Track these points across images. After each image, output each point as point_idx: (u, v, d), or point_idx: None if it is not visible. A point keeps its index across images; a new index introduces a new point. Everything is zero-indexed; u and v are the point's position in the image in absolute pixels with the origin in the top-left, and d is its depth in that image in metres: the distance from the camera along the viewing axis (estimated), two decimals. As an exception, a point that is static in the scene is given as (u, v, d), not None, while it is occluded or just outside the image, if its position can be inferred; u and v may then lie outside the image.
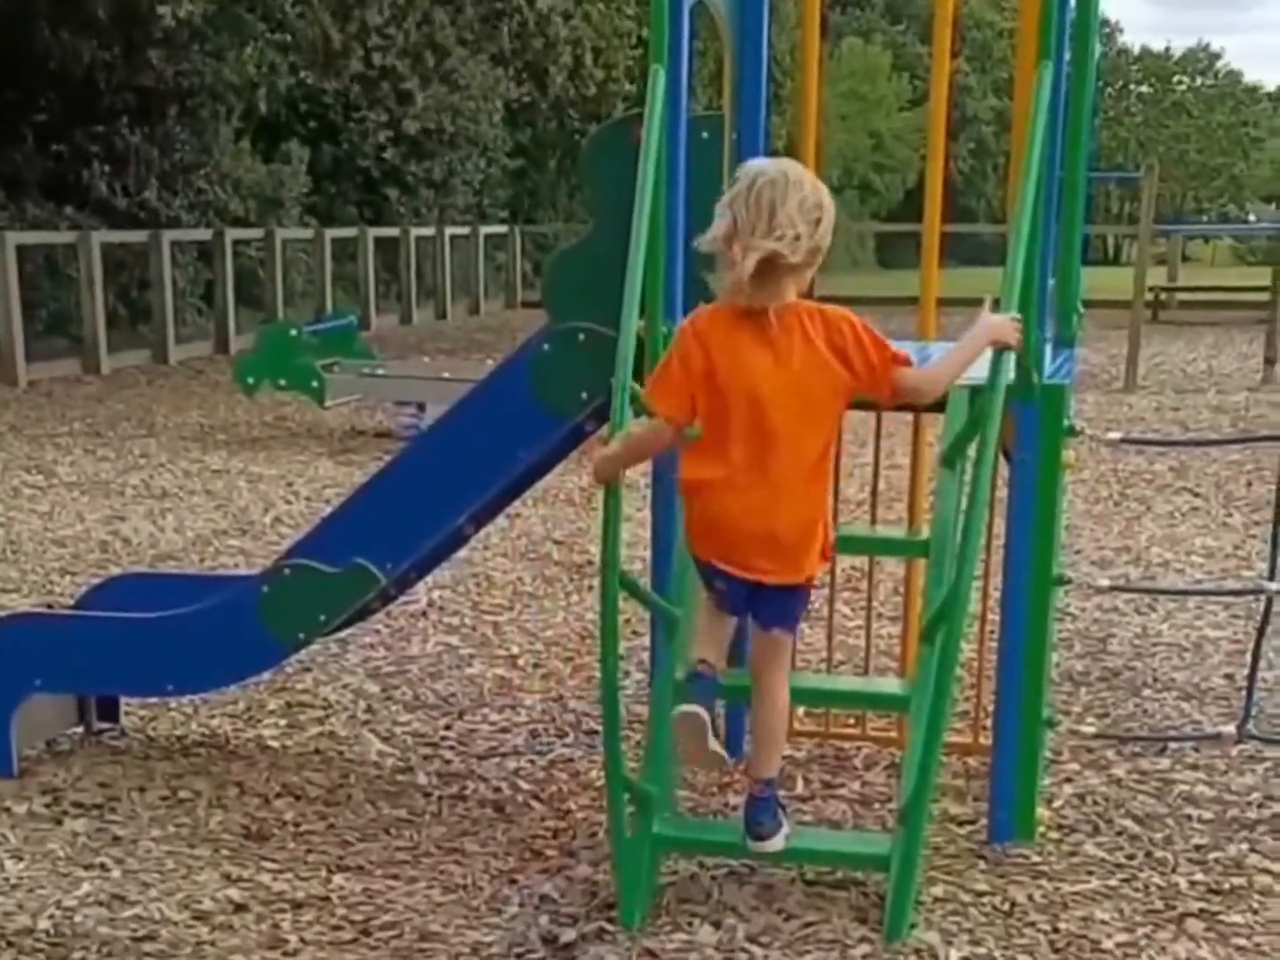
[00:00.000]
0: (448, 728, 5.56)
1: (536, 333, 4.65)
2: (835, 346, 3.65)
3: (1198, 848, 4.45)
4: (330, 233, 23.56)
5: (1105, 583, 4.90)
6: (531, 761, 5.20)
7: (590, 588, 7.46)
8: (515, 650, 6.50)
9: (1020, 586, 4.28)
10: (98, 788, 4.92)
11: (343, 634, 6.34)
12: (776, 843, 3.93)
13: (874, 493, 5.21)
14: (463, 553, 7.98)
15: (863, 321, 3.71)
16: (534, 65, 27.35)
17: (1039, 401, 4.16)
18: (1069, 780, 5.00)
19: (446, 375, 12.15)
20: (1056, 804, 4.76)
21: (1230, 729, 4.66)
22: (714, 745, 3.80)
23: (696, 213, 4.35)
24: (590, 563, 7.95)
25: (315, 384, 12.67)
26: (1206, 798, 4.85)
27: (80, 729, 5.38)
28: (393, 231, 25.85)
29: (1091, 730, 4.84)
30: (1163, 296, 24.14)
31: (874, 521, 5.21)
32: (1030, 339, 4.02)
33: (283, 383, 12.86)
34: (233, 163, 23.51)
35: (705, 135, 4.65)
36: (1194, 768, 5.10)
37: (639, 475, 4.72)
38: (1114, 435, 4.53)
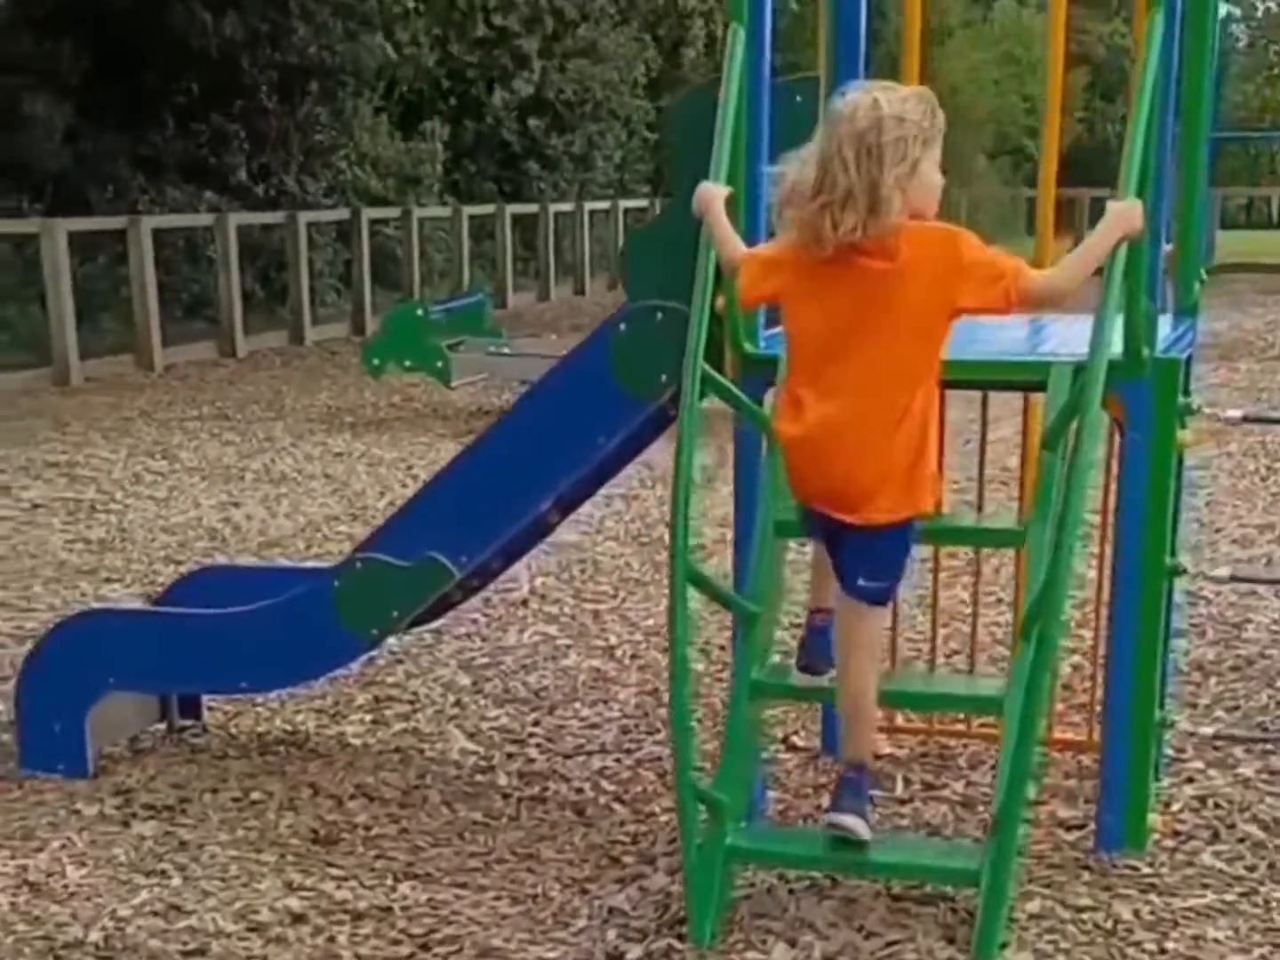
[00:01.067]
0: (536, 723, 5.35)
1: (615, 311, 4.42)
2: (940, 270, 3.41)
3: (1327, 858, 4.11)
4: (468, 210, 23.42)
5: (1223, 572, 4.54)
6: (618, 760, 4.97)
7: (700, 573, 7.20)
8: (614, 640, 6.27)
9: (1131, 577, 3.95)
10: (170, 789, 4.77)
11: (438, 624, 6.18)
12: (856, 825, 3.64)
13: (980, 478, 4.89)
14: (572, 537, 7.86)
15: (971, 237, 3.46)
16: (667, 39, 27.23)
17: (1150, 377, 3.83)
18: (1191, 780, 4.66)
19: (570, 353, 11.93)
20: (1175, 807, 4.44)
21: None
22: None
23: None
24: (703, 546, 7.69)
25: (440, 364, 12.53)
26: (1342, 801, 4.50)
27: (163, 726, 5.26)
28: (531, 208, 25.70)
29: (1210, 731, 4.49)
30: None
31: (980, 508, 4.89)
32: (1138, 310, 3.70)
33: (408, 364, 12.72)
34: (371, 141, 23.52)
35: (799, 99, 4.37)
36: (1330, 767, 4.74)
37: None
38: (1234, 413, 4.17)
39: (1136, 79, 3.58)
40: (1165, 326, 4.18)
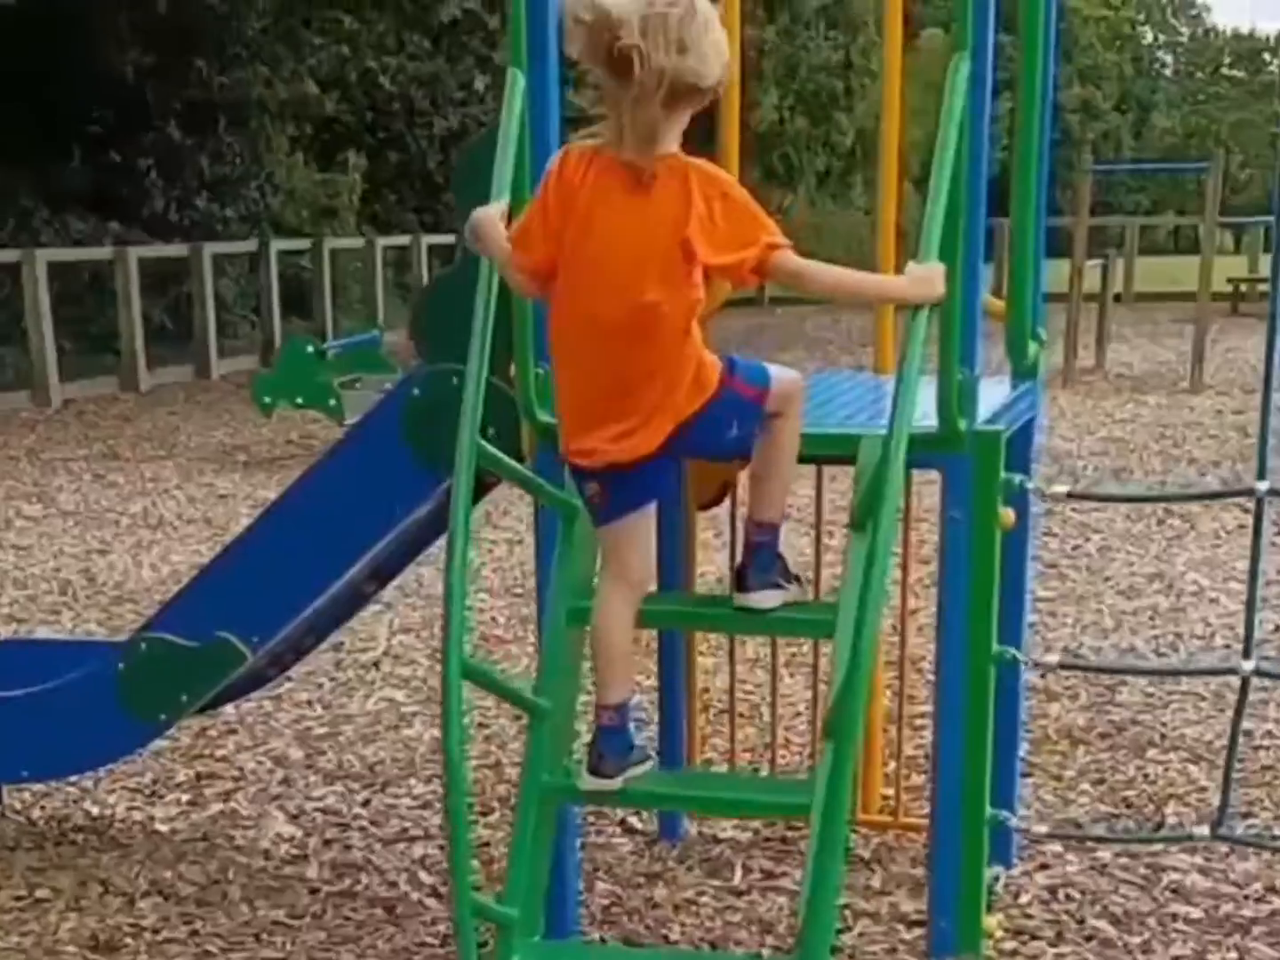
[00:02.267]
0: (365, 803, 5.03)
1: (405, 375, 4.11)
2: (685, 208, 3.03)
3: (1175, 960, 3.83)
4: (383, 241, 23.11)
5: (1052, 659, 4.26)
6: (443, 846, 4.65)
7: (566, 630, 6.90)
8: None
9: (955, 667, 3.66)
10: (-52, 886, 4.44)
11: (279, 690, 5.89)
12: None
13: (817, 559, 4.56)
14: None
15: (740, 193, 3.10)
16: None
17: (969, 452, 3.55)
18: (1045, 867, 4.38)
19: (464, 392, 11.61)
20: (1023, 899, 4.17)
21: (1204, 829, 4.01)
22: None
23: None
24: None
25: (334, 402, 12.21)
26: (1199, 890, 4.23)
27: (-42, 811, 4.92)
28: (448, 239, 25.35)
29: (1044, 830, 4.20)
30: (1243, 288, 23.20)
31: (817, 595, 4.56)
32: (951, 378, 3.42)
33: (300, 401, 12.40)
34: (286, 173, 23.16)
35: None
36: (1192, 851, 4.45)
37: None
38: (1060, 489, 3.88)
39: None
40: (999, 392, 3.90)
